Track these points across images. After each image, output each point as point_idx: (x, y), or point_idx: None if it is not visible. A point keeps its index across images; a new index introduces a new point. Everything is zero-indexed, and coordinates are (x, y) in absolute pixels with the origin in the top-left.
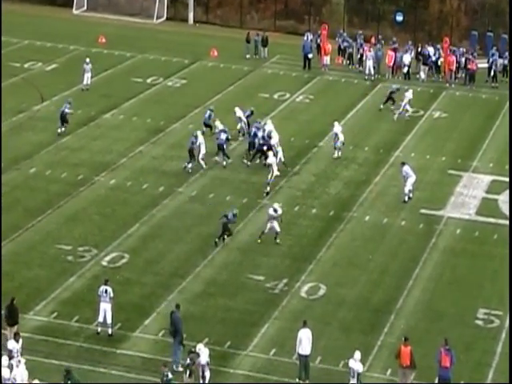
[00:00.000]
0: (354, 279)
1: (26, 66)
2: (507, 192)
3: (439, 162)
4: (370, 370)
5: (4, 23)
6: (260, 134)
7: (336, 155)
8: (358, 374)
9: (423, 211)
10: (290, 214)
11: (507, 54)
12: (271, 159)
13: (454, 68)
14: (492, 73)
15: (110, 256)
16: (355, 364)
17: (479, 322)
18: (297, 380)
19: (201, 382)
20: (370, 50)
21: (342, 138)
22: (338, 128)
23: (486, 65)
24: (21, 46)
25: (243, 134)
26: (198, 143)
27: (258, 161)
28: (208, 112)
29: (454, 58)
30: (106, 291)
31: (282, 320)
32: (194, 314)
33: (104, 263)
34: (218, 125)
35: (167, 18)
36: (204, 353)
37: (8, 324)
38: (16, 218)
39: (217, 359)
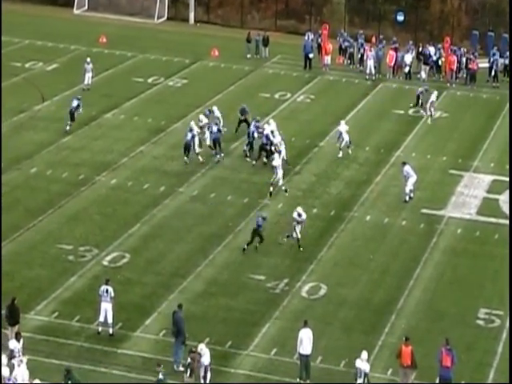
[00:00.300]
0: (354, 279)
1: (26, 65)
2: (508, 192)
3: (440, 161)
4: (371, 370)
5: (5, 23)
6: (257, 133)
7: (340, 154)
8: (366, 374)
9: (424, 211)
10: (290, 214)
11: (508, 53)
12: (277, 161)
13: (454, 68)
14: (493, 73)
15: (110, 256)
16: (362, 364)
17: (480, 322)
18: (298, 380)
19: (202, 382)
20: (370, 50)
21: (346, 138)
22: (343, 127)
23: (487, 65)
24: (22, 46)
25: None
26: (191, 135)
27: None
28: (207, 112)
29: (454, 57)
30: (106, 291)
31: (283, 320)
32: (195, 314)
33: (105, 263)
34: (203, 118)
35: (168, 18)
36: (206, 353)
37: (9, 324)
38: (17, 218)
39: (218, 359)
